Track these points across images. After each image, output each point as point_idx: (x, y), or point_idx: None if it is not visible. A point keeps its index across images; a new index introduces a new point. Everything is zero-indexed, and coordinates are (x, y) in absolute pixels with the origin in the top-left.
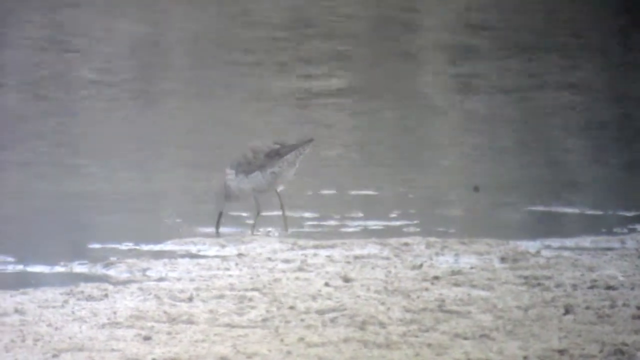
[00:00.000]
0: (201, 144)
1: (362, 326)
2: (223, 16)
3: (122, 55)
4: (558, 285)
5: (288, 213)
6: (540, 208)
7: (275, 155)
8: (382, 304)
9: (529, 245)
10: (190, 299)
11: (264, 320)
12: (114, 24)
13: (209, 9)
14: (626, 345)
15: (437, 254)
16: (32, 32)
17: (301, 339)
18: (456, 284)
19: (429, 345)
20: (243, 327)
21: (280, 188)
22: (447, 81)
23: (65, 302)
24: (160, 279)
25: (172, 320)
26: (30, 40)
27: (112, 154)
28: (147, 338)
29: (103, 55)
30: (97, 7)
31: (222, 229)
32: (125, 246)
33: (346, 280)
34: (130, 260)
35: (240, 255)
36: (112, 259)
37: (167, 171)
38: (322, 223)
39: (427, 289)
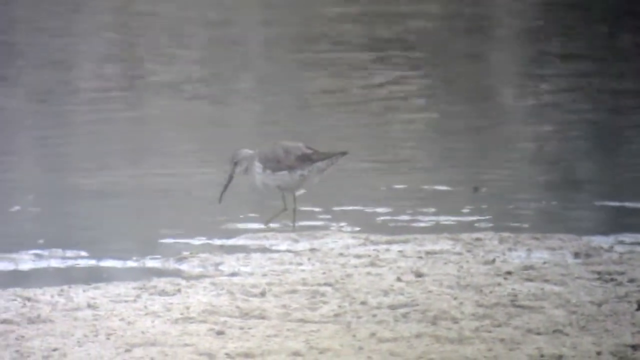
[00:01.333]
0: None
1: (434, 321)
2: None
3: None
4: (631, 281)
5: (362, 207)
6: (614, 203)
7: (306, 159)
8: (455, 299)
9: (602, 241)
10: (263, 294)
11: (336, 315)
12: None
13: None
14: None
15: (509, 249)
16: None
17: (373, 335)
18: (529, 279)
19: (502, 340)
20: (315, 322)
21: (301, 191)
22: (518, 79)
23: (138, 296)
24: (233, 274)
25: (245, 315)
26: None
27: (185, 150)
28: (219, 333)
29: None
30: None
31: (293, 224)
32: (198, 241)
33: (418, 275)
34: (203, 255)
35: (312, 250)
36: (185, 253)
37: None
38: (394, 218)
39: (499, 284)
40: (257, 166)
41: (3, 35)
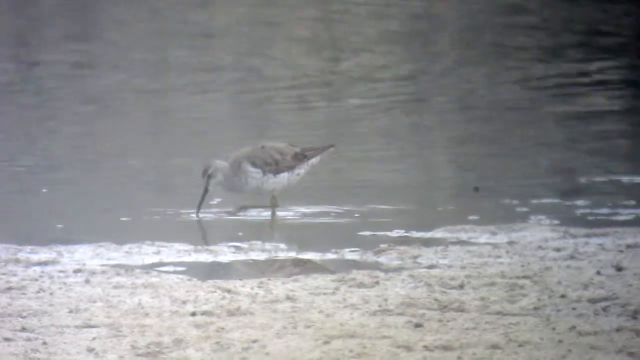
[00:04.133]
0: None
1: (635, 315)
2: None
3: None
4: None
5: (560, 200)
6: None
7: (302, 157)
8: None
9: None
10: (461, 287)
11: (535, 308)
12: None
13: None
14: None
15: None
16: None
17: (572, 328)
18: None
19: None
20: (514, 315)
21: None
22: None
23: (337, 289)
24: (431, 267)
25: (443, 307)
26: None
27: (390, 143)
28: (418, 325)
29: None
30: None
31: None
32: (396, 233)
33: (618, 269)
34: (401, 248)
35: (511, 242)
36: (383, 246)
37: (438, 160)
38: (593, 211)
39: None
40: (253, 171)
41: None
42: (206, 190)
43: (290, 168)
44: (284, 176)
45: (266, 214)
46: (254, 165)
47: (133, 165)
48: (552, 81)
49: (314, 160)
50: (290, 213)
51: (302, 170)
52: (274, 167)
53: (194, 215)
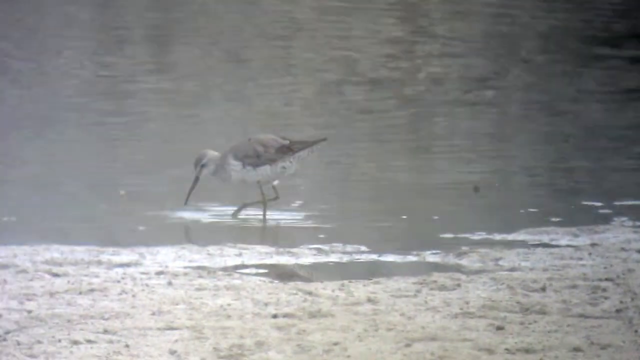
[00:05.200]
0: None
1: None
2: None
3: None
4: None
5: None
6: None
7: (287, 150)
8: None
9: None
10: (543, 289)
11: (618, 311)
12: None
13: None
14: None
15: None
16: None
17: None
18: None
19: None
20: (596, 317)
21: (277, 182)
22: None
23: (418, 291)
24: (513, 269)
25: (525, 310)
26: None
27: (474, 144)
28: (499, 328)
29: None
30: None
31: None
32: (478, 236)
33: None
34: (482, 250)
35: (593, 245)
36: (465, 248)
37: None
38: None
39: None
40: (234, 164)
41: None
42: (197, 179)
43: (272, 161)
44: (265, 169)
45: (347, 216)
46: (236, 158)
47: None
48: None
49: (302, 154)
50: (371, 214)
51: (287, 163)
52: (255, 159)
53: (275, 219)
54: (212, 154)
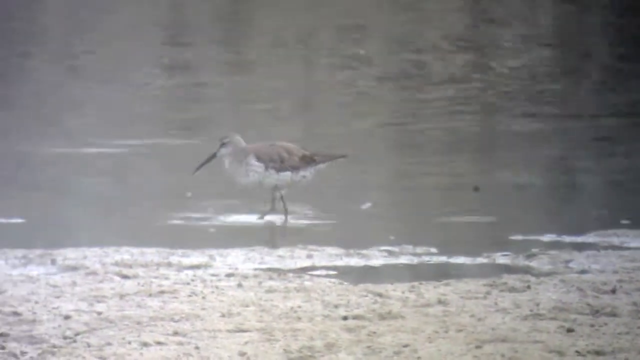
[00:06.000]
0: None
1: None
2: None
3: None
4: None
5: None
6: None
7: (310, 160)
8: None
9: None
10: (614, 291)
11: None
12: None
13: None
14: None
15: None
16: None
17: None
18: None
19: None
20: None
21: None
22: None
23: (488, 293)
24: (583, 271)
25: (595, 312)
26: None
27: (535, 148)
28: (570, 330)
29: None
30: None
31: None
32: (548, 238)
33: None
34: (552, 252)
35: None
36: (534, 250)
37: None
38: None
39: None
40: (256, 165)
41: None
42: (213, 155)
43: (295, 168)
44: (286, 175)
45: (417, 216)
46: (258, 159)
47: None
48: None
49: (322, 166)
50: (443, 216)
51: (307, 172)
52: (278, 164)
53: (342, 221)
54: (238, 139)
